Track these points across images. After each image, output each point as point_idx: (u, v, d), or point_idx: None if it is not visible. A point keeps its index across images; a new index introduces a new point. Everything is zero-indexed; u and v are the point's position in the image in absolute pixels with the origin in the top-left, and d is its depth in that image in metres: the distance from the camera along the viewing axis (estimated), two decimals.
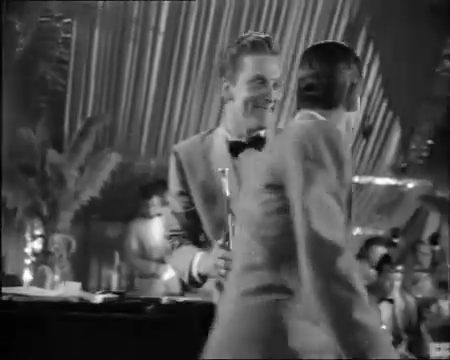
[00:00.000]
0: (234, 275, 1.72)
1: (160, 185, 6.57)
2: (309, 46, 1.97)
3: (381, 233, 8.87)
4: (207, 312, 2.14)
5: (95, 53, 6.76)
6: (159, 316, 2.27)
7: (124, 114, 7.34)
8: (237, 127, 2.18)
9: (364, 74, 7.46)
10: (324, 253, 1.50)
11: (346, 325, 1.46)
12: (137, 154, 7.72)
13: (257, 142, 2.17)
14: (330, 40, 2.52)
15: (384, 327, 4.50)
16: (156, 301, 2.42)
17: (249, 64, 2.11)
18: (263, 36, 2.15)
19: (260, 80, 2.11)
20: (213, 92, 7.42)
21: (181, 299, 2.44)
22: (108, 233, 7.55)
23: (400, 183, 8.44)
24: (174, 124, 7.58)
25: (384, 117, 7.88)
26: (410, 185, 8.47)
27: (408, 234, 8.43)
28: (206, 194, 2.19)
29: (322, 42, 2.01)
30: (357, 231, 8.91)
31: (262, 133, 2.20)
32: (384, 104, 7.80)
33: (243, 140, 2.19)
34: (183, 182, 2.23)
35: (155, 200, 6.09)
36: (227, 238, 2.03)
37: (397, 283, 5.20)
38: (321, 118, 1.78)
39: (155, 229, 5.98)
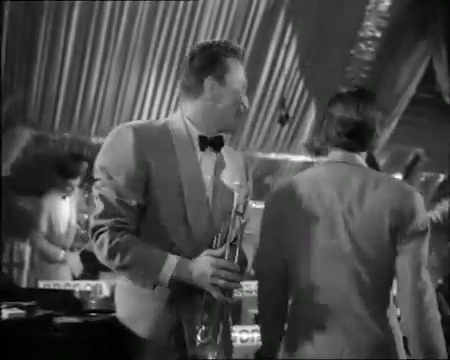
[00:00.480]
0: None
1: (77, 162, 6.49)
2: (351, 89, 2.28)
3: None
4: (116, 329, 2.14)
5: (6, 24, 6.47)
6: (68, 334, 2.22)
7: (37, 87, 7.12)
8: (210, 124, 2.18)
9: (282, 56, 7.57)
10: None
11: None
12: (51, 128, 7.53)
13: (218, 142, 2.20)
14: (361, 86, 2.58)
15: None
16: (66, 318, 2.35)
17: (237, 68, 2.18)
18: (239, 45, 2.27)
19: (242, 87, 2.21)
20: (130, 68, 7.31)
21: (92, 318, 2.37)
22: (21, 207, 7.37)
23: (315, 160, 8.65)
24: (90, 98, 7.43)
25: (300, 98, 8.02)
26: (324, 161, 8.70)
27: None
28: (172, 188, 2.06)
29: (361, 87, 2.34)
30: None
31: (222, 134, 2.24)
32: (301, 85, 7.93)
33: (209, 137, 2.19)
34: (144, 166, 2.04)
35: (73, 181, 5.91)
36: (221, 245, 2.03)
37: None
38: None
39: (67, 210, 5.88)
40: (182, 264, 1.98)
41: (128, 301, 2.08)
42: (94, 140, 7.78)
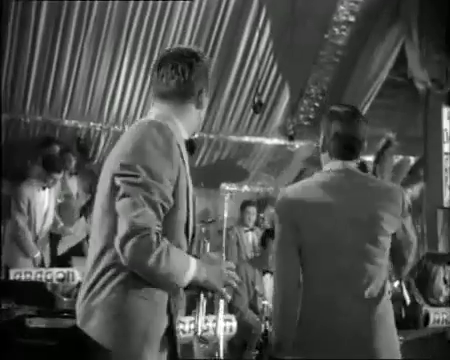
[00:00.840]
0: None
1: (64, 158, 6.48)
2: (346, 108, 2.63)
3: (269, 190, 9.19)
4: (72, 336, 2.13)
5: None
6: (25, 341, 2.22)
7: (7, 70, 7.01)
8: (190, 128, 2.27)
9: (256, 40, 7.55)
10: None
11: None
12: (22, 110, 7.45)
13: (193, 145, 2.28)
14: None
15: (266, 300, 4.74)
16: (22, 324, 2.32)
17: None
18: None
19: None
20: (103, 50, 7.23)
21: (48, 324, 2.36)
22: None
23: (288, 143, 8.70)
24: (62, 81, 7.34)
25: (274, 81, 8.02)
26: (297, 145, 8.75)
27: None
28: (184, 192, 2.09)
29: (354, 107, 2.72)
30: (245, 188, 9.18)
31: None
32: (274, 69, 7.92)
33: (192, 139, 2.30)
34: (177, 169, 2.04)
35: (58, 175, 5.85)
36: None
37: None
38: None
39: (46, 200, 5.85)
40: (200, 267, 2.06)
41: (125, 303, 2.01)
42: (66, 122, 7.73)
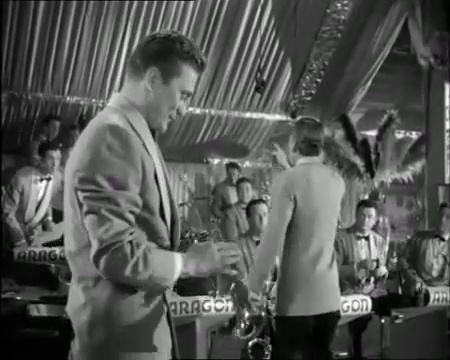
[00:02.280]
0: None
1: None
2: (311, 120, 3.58)
3: (270, 166, 9.19)
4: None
5: None
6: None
7: (8, 47, 6.98)
8: (152, 109, 2.08)
9: (258, 15, 7.50)
10: None
11: None
12: (23, 88, 7.44)
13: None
14: None
15: None
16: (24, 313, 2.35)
17: (188, 76, 2.06)
18: (205, 58, 2.09)
19: (186, 95, 2.09)
20: (104, 27, 7.19)
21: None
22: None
23: (290, 119, 8.68)
24: (63, 58, 7.31)
25: (276, 57, 7.98)
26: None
27: None
28: (153, 185, 1.97)
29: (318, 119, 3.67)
30: (247, 164, 9.20)
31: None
32: (276, 44, 7.87)
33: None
34: (141, 168, 1.92)
35: (54, 153, 5.73)
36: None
37: None
38: None
39: (42, 191, 5.81)
40: (187, 260, 2.00)
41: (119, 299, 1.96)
42: (68, 99, 7.72)
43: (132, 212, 1.89)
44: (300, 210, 3.40)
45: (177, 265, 1.96)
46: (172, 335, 2.09)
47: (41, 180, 5.71)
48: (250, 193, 6.71)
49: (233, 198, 7.39)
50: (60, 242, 5.76)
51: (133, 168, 1.89)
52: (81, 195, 1.87)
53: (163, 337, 2.04)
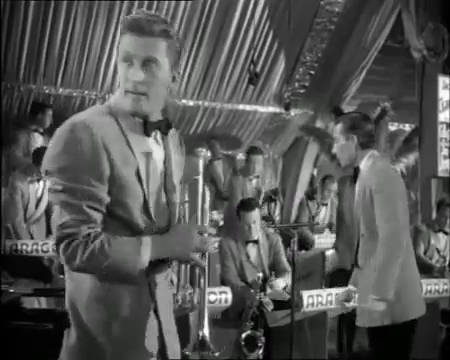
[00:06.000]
0: None
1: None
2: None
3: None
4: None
5: None
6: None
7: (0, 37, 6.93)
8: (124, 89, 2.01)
9: (252, 6, 7.47)
10: None
11: None
12: (15, 78, 7.39)
13: (164, 126, 2.08)
14: None
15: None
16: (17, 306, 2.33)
17: (123, 43, 1.97)
18: (142, 15, 1.96)
19: (129, 62, 1.96)
20: (96, 19, 7.15)
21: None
22: None
23: (283, 111, 8.67)
24: (55, 49, 7.26)
25: (269, 49, 7.96)
26: (292, 113, 8.72)
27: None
28: (131, 179, 1.95)
29: None
30: (240, 156, 9.18)
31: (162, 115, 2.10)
32: (270, 36, 7.85)
33: (154, 121, 2.04)
34: (106, 162, 1.90)
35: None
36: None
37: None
38: None
39: (40, 190, 5.80)
40: (158, 241, 1.95)
41: (102, 288, 2.01)
42: (61, 91, 7.67)
43: (92, 207, 1.90)
44: None
45: (143, 249, 1.93)
46: (161, 334, 2.03)
47: (38, 181, 5.73)
48: (259, 167, 6.55)
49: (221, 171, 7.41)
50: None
51: (93, 165, 1.89)
52: (47, 187, 1.95)
53: (146, 334, 1.99)
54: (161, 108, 2.08)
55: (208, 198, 2.06)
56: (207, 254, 2.02)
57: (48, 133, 6.70)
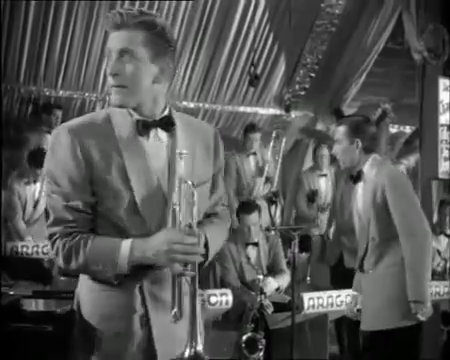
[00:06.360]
0: None
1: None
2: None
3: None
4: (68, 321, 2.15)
5: None
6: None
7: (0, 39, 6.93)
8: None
9: (252, 8, 7.47)
10: None
11: None
12: (16, 80, 7.38)
13: (165, 122, 2.04)
14: None
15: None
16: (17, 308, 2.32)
17: (109, 39, 2.06)
18: (122, 11, 2.00)
19: (109, 57, 2.05)
20: (97, 21, 7.14)
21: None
22: None
23: (284, 113, 8.66)
24: (56, 51, 7.26)
25: (270, 51, 7.95)
26: (293, 115, 8.72)
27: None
28: (118, 181, 1.95)
29: None
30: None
31: (166, 112, 2.06)
32: (270, 38, 7.85)
33: (149, 120, 2.02)
34: (85, 165, 1.94)
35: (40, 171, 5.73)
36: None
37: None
38: None
39: (37, 191, 5.80)
40: (136, 246, 1.92)
41: (93, 293, 2.01)
42: (61, 93, 7.67)
43: (71, 207, 1.96)
44: None
45: (122, 252, 1.92)
46: (152, 340, 1.99)
47: (34, 182, 5.74)
48: (257, 144, 6.48)
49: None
50: None
51: (70, 168, 1.96)
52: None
53: (130, 342, 1.98)
54: (151, 100, 2.03)
55: (196, 202, 1.94)
56: (197, 263, 1.93)
57: None
